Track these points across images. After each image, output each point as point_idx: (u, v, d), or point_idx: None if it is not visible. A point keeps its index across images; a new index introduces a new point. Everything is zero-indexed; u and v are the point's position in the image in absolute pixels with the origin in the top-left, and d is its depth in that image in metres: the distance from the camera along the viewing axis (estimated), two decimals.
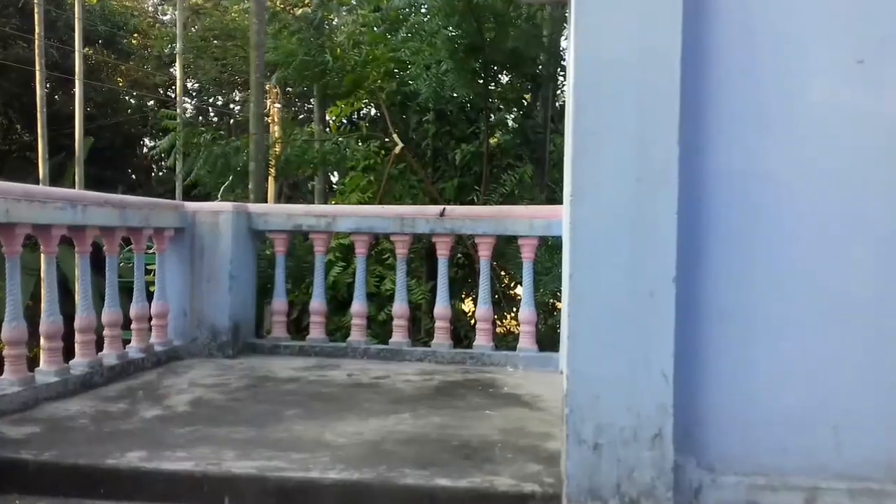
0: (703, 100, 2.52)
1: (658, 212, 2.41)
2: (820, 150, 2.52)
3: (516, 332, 6.42)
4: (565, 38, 3.72)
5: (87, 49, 19.50)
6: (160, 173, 25.48)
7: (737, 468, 2.51)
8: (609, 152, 2.45)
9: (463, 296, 9.18)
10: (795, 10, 2.51)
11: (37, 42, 15.58)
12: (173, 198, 20.34)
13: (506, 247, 6.78)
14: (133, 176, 26.14)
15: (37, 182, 16.40)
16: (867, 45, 2.50)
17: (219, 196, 8.90)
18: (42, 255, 3.77)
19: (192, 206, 5.07)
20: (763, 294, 2.51)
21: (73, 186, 17.66)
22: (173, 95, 24.52)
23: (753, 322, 2.51)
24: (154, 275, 4.95)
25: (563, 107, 3.65)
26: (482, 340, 5.01)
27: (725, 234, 2.52)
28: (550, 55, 3.23)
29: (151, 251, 5.00)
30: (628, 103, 2.45)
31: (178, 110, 19.63)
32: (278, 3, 15.96)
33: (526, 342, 4.92)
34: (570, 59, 2.74)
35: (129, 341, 4.57)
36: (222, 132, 7.99)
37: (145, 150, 26.41)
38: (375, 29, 8.43)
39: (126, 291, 4.69)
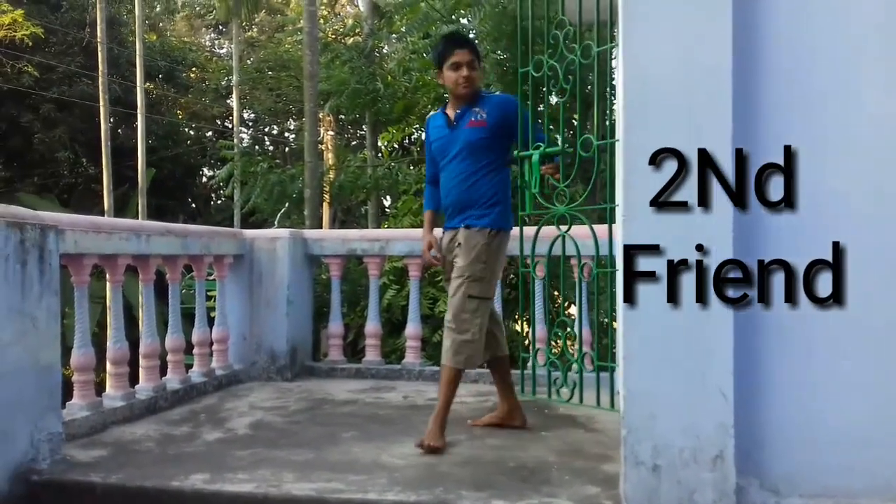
0: (757, 117, 2.49)
1: (713, 228, 2.39)
2: (879, 169, 2.47)
3: (572, 350, 6.32)
4: (614, 58, 3.70)
5: (147, 84, 20.21)
6: (218, 202, 26.17)
7: (802, 490, 2.44)
8: (661, 175, 2.43)
9: (516, 317, 9.13)
10: (850, 32, 2.47)
11: (100, 79, 16.21)
12: (231, 225, 20.84)
13: (559, 267, 6.74)
14: (193, 205, 26.88)
15: (102, 213, 17.00)
16: None
17: (275, 223, 9.10)
18: (108, 284, 3.91)
19: (249, 233, 5.19)
20: (822, 315, 2.44)
21: (136, 216, 18.27)
22: (230, 126, 25.22)
23: (813, 338, 2.45)
24: (214, 300, 5.08)
25: (612, 125, 3.62)
26: (537, 360, 4.99)
27: (783, 250, 2.47)
28: (599, 74, 3.22)
29: (212, 278, 5.13)
30: (679, 122, 2.43)
31: (235, 140, 20.16)
32: (330, 34, 16.32)
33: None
34: (619, 79, 2.74)
35: (191, 366, 4.69)
36: (278, 161, 8.20)
37: (204, 179, 27.18)
38: (425, 55, 8.55)
39: (187, 317, 4.82)
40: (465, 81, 3.43)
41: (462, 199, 3.45)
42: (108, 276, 3.88)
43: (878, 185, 2.48)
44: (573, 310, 6.62)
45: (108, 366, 3.85)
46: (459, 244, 3.43)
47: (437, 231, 3.74)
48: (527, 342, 7.81)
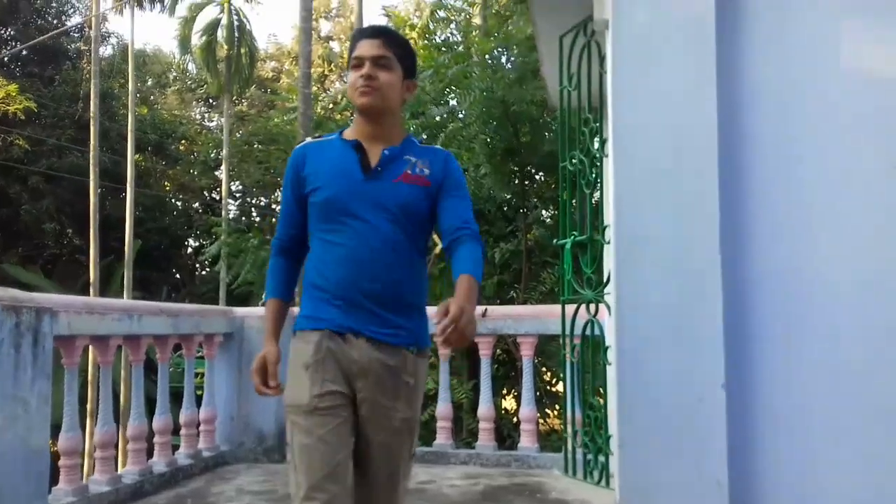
0: (744, 207, 2.56)
1: (704, 318, 2.44)
2: (863, 250, 2.54)
3: (559, 429, 6.33)
4: (597, 139, 3.80)
5: (137, 156, 20.41)
6: (203, 272, 26.14)
7: None
8: (651, 262, 2.50)
9: (504, 392, 9.10)
10: (831, 121, 2.58)
11: (92, 152, 16.36)
12: (216, 296, 20.75)
13: (547, 344, 6.78)
14: (177, 275, 26.82)
15: (87, 284, 16.92)
16: None
17: (262, 299, 9.09)
18: (100, 366, 3.88)
19: (240, 311, 5.19)
20: (815, 397, 2.48)
21: (121, 288, 18.19)
22: (218, 197, 25.41)
23: (809, 426, 2.47)
24: (201, 378, 5.04)
25: (597, 203, 3.70)
26: (527, 442, 4.96)
27: (773, 336, 2.52)
28: (586, 155, 3.35)
29: (200, 356, 5.11)
30: (667, 210, 2.52)
31: (223, 213, 20.27)
32: (320, 110, 16.63)
33: (572, 444, 4.85)
34: (609, 168, 2.83)
35: (177, 446, 4.62)
36: (269, 238, 8.22)
37: (189, 250, 27.19)
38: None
39: (173, 396, 4.77)
40: (364, 85, 2.09)
41: (377, 289, 2.04)
42: (98, 357, 3.85)
43: (863, 265, 2.54)
44: (562, 386, 6.61)
45: (97, 450, 3.79)
46: (382, 374, 2.05)
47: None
48: (515, 419, 7.80)
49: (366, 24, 2.40)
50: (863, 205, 2.56)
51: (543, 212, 9.21)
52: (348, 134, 2.19)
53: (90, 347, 3.89)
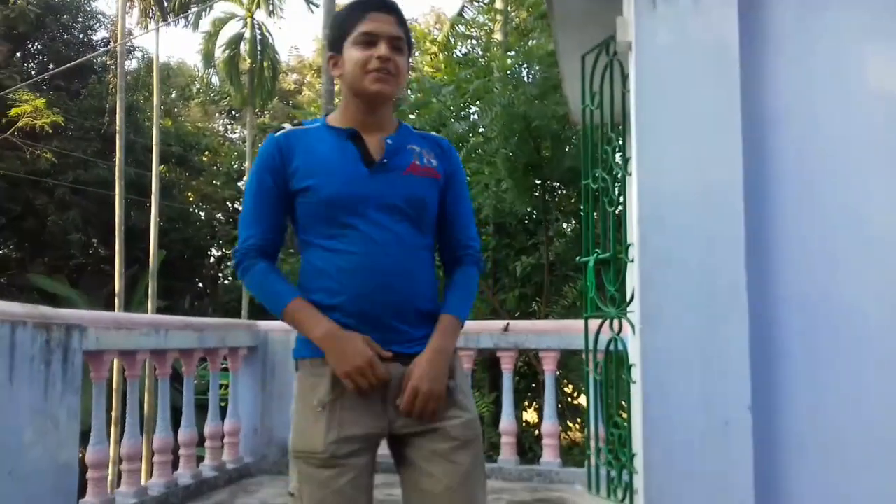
0: (769, 228, 2.56)
1: (730, 340, 2.44)
2: (889, 275, 2.53)
3: (581, 443, 6.32)
4: (619, 152, 3.79)
5: (161, 167, 20.67)
6: (226, 281, 26.38)
7: None
8: (676, 283, 2.50)
9: (525, 404, 9.09)
10: (856, 144, 2.57)
11: (118, 165, 16.58)
12: (239, 305, 20.92)
13: (569, 357, 6.77)
14: (200, 284, 27.08)
15: (112, 294, 17.12)
16: None
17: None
18: (127, 380, 3.95)
19: (264, 325, 5.25)
20: (842, 422, 2.47)
21: (145, 297, 18.39)
22: (239, 207, 25.68)
23: (833, 453, 2.46)
24: (226, 389, 5.10)
25: (621, 220, 3.70)
26: (549, 456, 4.95)
27: (798, 361, 2.51)
28: (608, 172, 3.34)
29: (224, 367, 5.16)
30: (693, 234, 2.52)
31: None
32: None
33: (595, 461, 4.83)
34: (632, 190, 2.84)
35: (202, 458, 4.67)
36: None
37: (212, 260, 27.44)
38: None
39: (198, 407, 4.83)
40: (381, 68, 1.77)
41: (396, 300, 1.77)
42: (126, 371, 3.91)
43: (890, 289, 2.53)
44: (584, 399, 6.59)
45: (123, 462, 3.84)
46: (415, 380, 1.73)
47: None
48: (536, 433, 7.79)
49: None
50: (888, 228, 2.55)
51: (565, 225, 9.21)
52: (336, 121, 1.87)
53: (116, 360, 3.95)
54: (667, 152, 2.57)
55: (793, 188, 2.59)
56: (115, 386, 14.81)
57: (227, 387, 5.09)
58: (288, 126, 1.88)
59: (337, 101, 21.01)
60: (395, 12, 1.84)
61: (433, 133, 2.03)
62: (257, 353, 5.12)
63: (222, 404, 5.00)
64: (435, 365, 1.72)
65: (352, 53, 1.79)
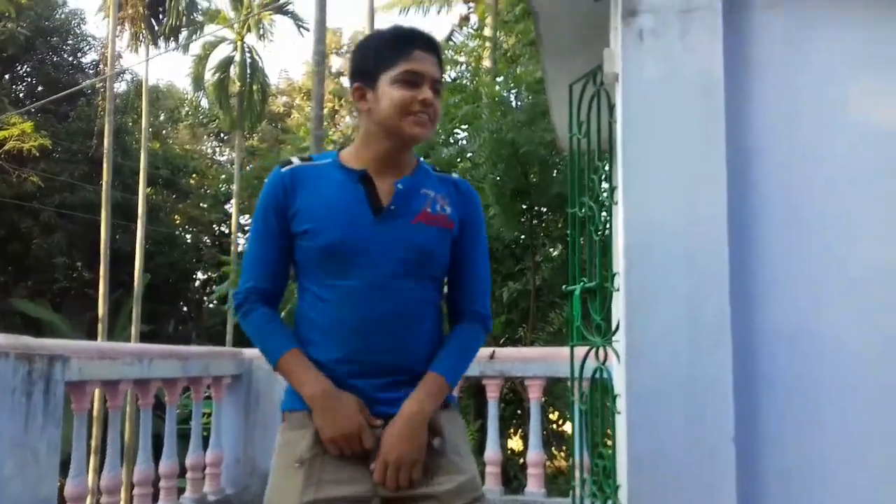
0: (754, 259, 2.57)
1: (714, 372, 2.43)
2: (871, 308, 2.54)
3: (567, 471, 6.28)
4: (605, 181, 3.80)
5: (148, 189, 20.62)
6: (210, 305, 26.22)
7: None
8: (662, 313, 2.50)
9: (511, 432, 9.04)
10: (841, 176, 2.60)
11: (104, 188, 16.51)
12: (223, 329, 20.78)
13: (555, 384, 6.74)
14: (185, 308, 26.89)
15: (96, 318, 16.97)
16: None
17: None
18: (108, 410, 3.89)
19: (249, 352, 5.19)
20: (825, 454, 2.46)
21: (129, 322, 18.24)
22: (227, 231, 25.59)
23: (817, 484, 2.45)
24: (208, 416, 5.03)
25: (605, 244, 3.70)
26: (534, 486, 4.90)
27: (783, 393, 2.51)
28: (595, 201, 3.36)
29: (208, 396, 5.10)
30: (678, 265, 2.52)
31: (232, 247, 20.38)
32: (330, 146, 16.82)
33: (580, 492, 4.79)
34: (618, 219, 2.84)
35: (183, 489, 4.59)
36: None
37: (197, 283, 27.29)
38: None
39: (180, 437, 4.76)
40: (422, 112, 1.67)
41: (392, 361, 1.67)
42: (108, 401, 3.86)
43: (871, 322, 2.54)
44: (569, 426, 6.55)
45: (103, 496, 3.77)
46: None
47: None
48: (521, 460, 7.75)
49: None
50: (873, 260, 2.57)
51: (552, 250, 9.23)
52: (349, 159, 1.73)
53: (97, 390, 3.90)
54: (652, 183, 2.58)
55: (778, 219, 2.60)
56: (95, 413, 14.64)
57: (210, 415, 5.02)
58: (296, 160, 1.76)
59: (325, 122, 21.05)
60: (439, 52, 1.73)
61: (454, 175, 1.89)
62: (241, 382, 5.07)
63: (205, 434, 4.93)
64: (405, 431, 1.58)
65: (390, 91, 1.65)
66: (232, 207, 23.31)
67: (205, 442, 4.82)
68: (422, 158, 1.84)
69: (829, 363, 2.52)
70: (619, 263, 2.77)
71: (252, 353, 5.22)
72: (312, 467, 1.59)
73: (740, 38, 2.61)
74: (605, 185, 3.86)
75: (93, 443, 14.78)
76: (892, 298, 2.53)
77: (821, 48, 2.63)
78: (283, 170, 1.73)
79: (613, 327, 3.69)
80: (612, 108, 3.43)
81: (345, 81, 29.86)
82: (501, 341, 8.53)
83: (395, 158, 1.72)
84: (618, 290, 3.57)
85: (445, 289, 1.86)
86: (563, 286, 3.80)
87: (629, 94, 2.61)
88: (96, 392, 4.19)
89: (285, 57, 63.10)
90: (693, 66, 2.55)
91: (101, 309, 16.52)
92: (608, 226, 3.82)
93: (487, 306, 1.84)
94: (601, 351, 3.92)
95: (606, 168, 3.84)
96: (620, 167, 2.70)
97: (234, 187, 21.80)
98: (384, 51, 1.68)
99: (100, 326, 16.67)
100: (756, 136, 2.61)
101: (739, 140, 2.58)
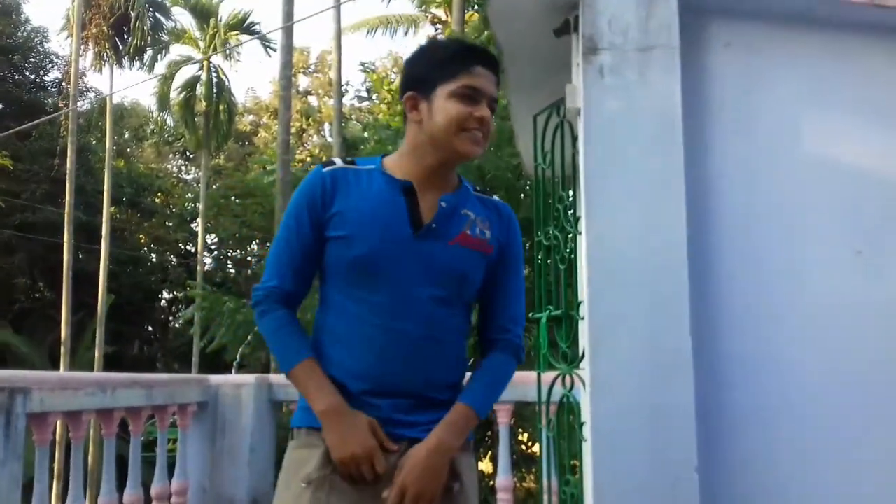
0: (714, 290, 2.63)
1: (676, 401, 2.48)
2: (828, 336, 2.62)
3: (536, 493, 6.30)
4: (571, 210, 3.85)
5: (112, 208, 20.35)
6: (176, 325, 25.87)
7: None
8: (625, 343, 2.55)
9: (480, 454, 9.03)
10: (796, 209, 2.68)
11: (67, 209, 16.27)
12: (189, 350, 20.51)
13: (524, 408, 6.75)
14: (150, 328, 26.49)
15: (58, 340, 16.65)
16: (864, 237, 2.65)
17: (237, 357, 9.01)
18: (71, 442, 3.83)
19: (215, 379, 5.15)
20: (787, 484, 2.52)
21: (92, 343, 17.93)
22: (193, 249, 25.31)
23: None
24: (174, 444, 4.97)
25: (571, 272, 3.74)
26: None
27: (745, 421, 2.57)
28: (560, 231, 3.40)
29: (173, 423, 5.04)
30: (640, 295, 2.57)
31: (198, 266, 20.16)
32: (297, 161, 16.81)
33: None
34: (582, 249, 2.89)
35: None
36: (246, 301, 8.21)
37: (163, 303, 26.92)
38: None
39: (147, 463, 4.70)
40: (479, 129, 1.62)
41: (416, 385, 1.61)
42: (70, 432, 3.80)
43: (828, 350, 2.62)
44: (538, 448, 6.58)
45: None
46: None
47: None
48: (491, 483, 7.75)
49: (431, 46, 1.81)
50: (827, 290, 2.65)
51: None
52: (394, 168, 1.65)
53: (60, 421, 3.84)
54: (614, 216, 2.64)
55: (736, 251, 2.67)
56: (58, 437, 14.33)
57: (176, 441, 4.96)
58: (339, 162, 1.69)
59: (293, 139, 20.93)
60: (497, 70, 1.69)
61: (495, 197, 1.82)
62: (207, 409, 5.02)
63: (170, 461, 4.87)
64: (429, 464, 1.52)
65: (446, 105, 1.59)
66: (198, 226, 23.06)
67: (170, 470, 4.76)
68: (462, 177, 1.78)
69: (789, 390, 2.59)
70: (583, 293, 2.82)
71: (218, 379, 5.18)
72: (320, 488, 1.52)
73: (698, 75, 2.69)
74: (570, 214, 3.92)
75: (55, 467, 14.45)
76: (846, 327, 2.62)
77: (776, 86, 2.73)
78: (325, 170, 1.65)
79: (580, 354, 3.74)
80: (575, 139, 3.49)
81: (312, 100, 29.88)
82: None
83: (441, 174, 1.66)
84: (583, 318, 3.61)
85: (475, 314, 1.81)
86: (531, 313, 3.83)
87: (591, 129, 2.67)
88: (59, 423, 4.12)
89: (253, 75, 62.84)
90: (652, 102, 2.61)
91: (64, 331, 16.21)
92: (573, 255, 3.88)
93: (521, 335, 1.79)
94: (567, 378, 3.96)
95: (570, 200, 3.90)
96: (583, 199, 2.75)
97: (201, 206, 21.57)
98: (444, 62, 1.63)
99: (62, 349, 16.35)
100: (714, 170, 2.69)
101: (698, 174, 2.65)
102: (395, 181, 1.63)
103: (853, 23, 2.72)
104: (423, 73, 1.65)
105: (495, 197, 1.84)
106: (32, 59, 23.74)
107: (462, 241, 1.63)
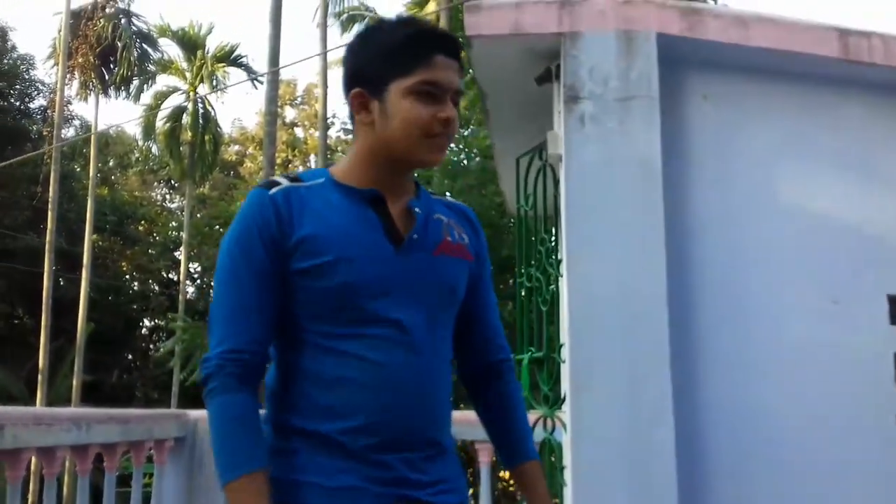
0: (693, 336, 2.66)
1: (656, 446, 2.48)
2: (805, 383, 2.65)
3: None
4: (553, 257, 3.87)
5: (94, 236, 20.21)
6: (156, 353, 25.59)
7: None
8: (605, 388, 2.56)
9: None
10: (773, 258, 2.72)
11: (48, 237, 16.16)
12: (169, 379, 20.25)
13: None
14: (129, 357, 26.17)
15: (36, 368, 16.41)
16: (840, 287, 2.69)
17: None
18: (44, 479, 3.77)
19: (193, 414, 5.09)
20: None
21: (70, 372, 17.68)
22: (175, 278, 25.13)
23: None
24: (150, 478, 4.89)
25: (553, 314, 3.75)
26: None
27: (724, 465, 2.58)
28: (542, 273, 3.39)
29: (150, 457, 4.97)
30: (620, 341, 2.59)
31: (180, 296, 20.02)
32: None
33: None
34: (563, 293, 2.91)
35: None
36: None
37: (144, 331, 26.64)
38: None
39: (122, 498, 4.62)
40: (444, 133, 1.36)
41: (426, 428, 1.37)
42: (44, 468, 3.74)
43: (806, 397, 2.64)
44: None
45: None
46: None
47: None
48: None
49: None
50: (805, 338, 2.68)
51: (502, 311, 9.26)
52: (346, 177, 1.38)
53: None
54: (596, 261, 2.66)
55: (716, 299, 2.70)
56: (32, 469, 14.08)
57: (152, 476, 4.89)
58: (284, 181, 1.36)
59: (278, 171, 21.07)
60: (459, 55, 1.38)
61: (456, 200, 1.60)
62: (185, 444, 4.95)
63: (145, 498, 4.80)
64: None
65: (403, 106, 1.32)
66: (181, 255, 22.95)
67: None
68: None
69: (767, 434, 2.61)
70: (564, 336, 2.83)
71: (196, 414, 5.12)
72: None
73: (677, 125, 2.75)
74: (553, 259, 3.94)
75: (30, 498, 14.17)
76: (823, 375, 2.65)
77: (752, 136, 2.79)
78: (273, 191, 1.33)
79: (562, 396, 3.75)
80: (557, 182, 3.54)
81: (299, 132, 29.96)
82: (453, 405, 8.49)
83: (399, 181, 1.40)
84: (564, 361, 3.62)
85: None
86: (512, 354, 3.82)
87: (572, 176, 2.71)
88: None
89: (239, 105, 63.03)
90: (632, 150, 2.66)
91: (42, 359, 16.00)
92: (555, 297, 3.89)
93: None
94: (549, 420, 3.95)
95: (552, 243, 3.93)
96: (565, 244, 2.78)
97: (184, 235, 21.48)
98: (396, 53, 1.33)
99: (39, 377, 16.12)
100: (693, 217, 2.73)
101: (677, 221, 2.69)
102: (355, 192, 1.35)
103: (826, 77, 2.79)
104: (371, 65, 1.36)
105: (449, 196, 1.69)
106: (18, 86, 23.71)
107: (445, 249, 1.38)
